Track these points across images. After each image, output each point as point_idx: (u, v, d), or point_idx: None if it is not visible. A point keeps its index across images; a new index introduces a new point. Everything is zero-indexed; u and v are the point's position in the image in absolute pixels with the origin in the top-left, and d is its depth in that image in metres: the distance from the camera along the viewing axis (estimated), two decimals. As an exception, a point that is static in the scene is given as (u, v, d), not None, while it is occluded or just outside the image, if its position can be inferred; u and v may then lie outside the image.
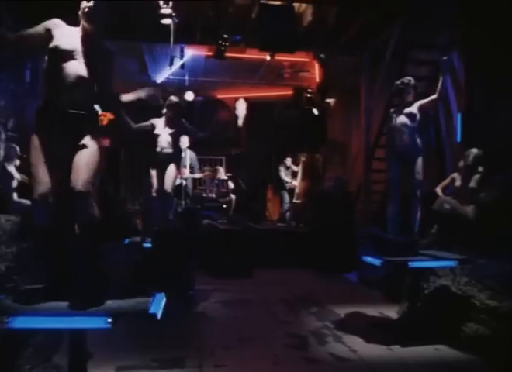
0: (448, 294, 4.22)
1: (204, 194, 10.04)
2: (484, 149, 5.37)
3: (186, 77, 8.80)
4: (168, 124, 5.31)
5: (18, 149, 6.11)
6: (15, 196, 5.96)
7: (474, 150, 5.26)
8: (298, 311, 4.68)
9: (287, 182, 9.81)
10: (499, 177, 5.28)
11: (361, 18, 6.64)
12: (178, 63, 7.94)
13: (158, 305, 2.20)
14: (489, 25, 5.93)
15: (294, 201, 9.65)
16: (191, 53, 7.94)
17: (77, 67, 2.52)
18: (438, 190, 5.49)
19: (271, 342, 3.73)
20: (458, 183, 5.37)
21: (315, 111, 9.69)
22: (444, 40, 6.60)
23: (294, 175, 10.04)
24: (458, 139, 6.30)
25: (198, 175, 8.11)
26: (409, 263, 3.84)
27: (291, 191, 9.80)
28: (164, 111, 5.36)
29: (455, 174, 5.45)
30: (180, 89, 8.80)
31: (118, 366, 3.11)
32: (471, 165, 5.21)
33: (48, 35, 2.55)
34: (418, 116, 4.22)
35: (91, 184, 2.49)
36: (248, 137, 11.46)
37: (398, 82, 4.33)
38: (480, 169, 5.25)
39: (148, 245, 4.78)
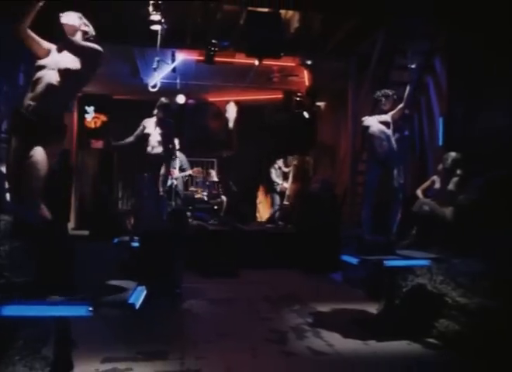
0: (425, 293, 4.41)
1: (196, 196, 10.23)
2: (464, 153, 5.57)
3: (178, 81, 8.95)
4: (159, 124, 5.49)
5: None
6: (8, 197, 6.08)
7: (452, 154, 5.46)
8: (280, 309, 4.85)
9: (278, 184, 9.98)
10: (478, 180, 5.47)
11: (347, 25, 6.83)
12: (168, 67, 8.11)
13: (138, 297, 2.36)
14: (470, 31, 6.13)
15: (284, 202, 9.84)
16: (182, 57, 8.10)
17: (50, 76, 2.78)
18: (419, 192, 5.67)
19: (252, 337, 3.89)
20: (437, 185, 5.56)
21: (305, 114, 9.88)
22: (427, 46, 6.81)
23: (285, 177, 10.22)
24: (440, 142, 6.49)
25: (188, 172, 8.30)
26: (385, 262, 4.02)
27: (282, 192, 9.98)
28: (155, 111, 5.54)
29: (435, 177, 5.64)
30: (172, 92, 8.97)
31: (104, 357, 3.27)
32: (449, 168, 5.40)
33: (47, 52, 2.89)
34: (391, 125, 4.43)
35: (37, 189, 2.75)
36: (239, 139, 11.63)
37: (380, 93, 4.54)
38: (459, 172, 5.44)
39: (136, 244, 4.93)
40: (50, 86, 2.76)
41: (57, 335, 2.31)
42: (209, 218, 9.41)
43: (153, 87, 6.12)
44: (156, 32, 6.36)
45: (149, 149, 5.47)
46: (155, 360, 3.25)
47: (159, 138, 5.47)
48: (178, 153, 8.43)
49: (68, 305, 2.10)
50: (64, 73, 2.80)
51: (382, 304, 4.58)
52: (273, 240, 7.68)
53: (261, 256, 7.18)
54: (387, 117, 4.44)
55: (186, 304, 4.95)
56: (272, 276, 6.63)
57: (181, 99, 8.98)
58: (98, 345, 3.48)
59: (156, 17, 5.54)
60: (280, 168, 10.20)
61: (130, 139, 5.54)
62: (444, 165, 5.47)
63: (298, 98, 9.43)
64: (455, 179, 5.41)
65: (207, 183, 10.28)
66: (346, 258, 4.27)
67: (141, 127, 5.56)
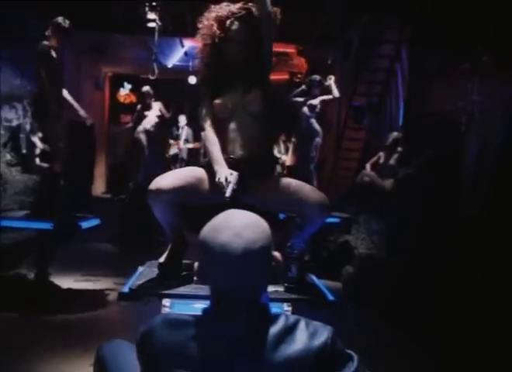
0: (347, 247, 5.51)
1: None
2: (410, 132, 6.48)
3: (190, 63, 10.16)
4: (142, 109, 6.86)
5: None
6: (37, 161, 7.58)
7: (394, 133, 6.40)
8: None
9: (279, 158, 11.04)
10: (419, 158, 6.39)
11: (326, 18, 7.71)
12: (180, 52, 9.41)
13: (89, 224, 3.65)
14: (431, 25, 6.90)
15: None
16: (190, 43, 9.28)
17: None
18: (367, 165, 6.63)
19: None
20: (381, 160, 6.52)
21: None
22: (397, 36, 7.61)
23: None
24: (400, 122, 7.37)
25: (190, 145, 9.57)
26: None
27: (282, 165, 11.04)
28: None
29: (381, 153, 6.58)
30: (185, 73, 10.27)
31: (83, 273, 4.67)
32: (389, 145, 6.34)
33: None
34: (318, 108, 5.50)
35: None
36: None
37: (312, 78, 5.63)
38: (399, 149, 6.36)
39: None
40: None
41: (39, 245, 3.65)
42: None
43: (152, 75, 7.26)
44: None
45: (140, 128, 6.81)
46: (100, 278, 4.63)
47: (150, 119, 6.81)
48: (186, 127, 9.73)
49: (36, 221, 3.41)
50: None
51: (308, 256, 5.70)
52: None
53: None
54: (314, 101, 5.55)
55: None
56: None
57: (192, 80, 10.15)
58: (84, 268, 4.88)
59: (151, 16, 6.65)
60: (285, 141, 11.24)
61: (130, 124, 6.93)
62: (386, 143, 6.41)
63: (298, 79, 10.43)
64: (396, 155, 6.34)
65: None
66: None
67: (135, 113, 6.95)
